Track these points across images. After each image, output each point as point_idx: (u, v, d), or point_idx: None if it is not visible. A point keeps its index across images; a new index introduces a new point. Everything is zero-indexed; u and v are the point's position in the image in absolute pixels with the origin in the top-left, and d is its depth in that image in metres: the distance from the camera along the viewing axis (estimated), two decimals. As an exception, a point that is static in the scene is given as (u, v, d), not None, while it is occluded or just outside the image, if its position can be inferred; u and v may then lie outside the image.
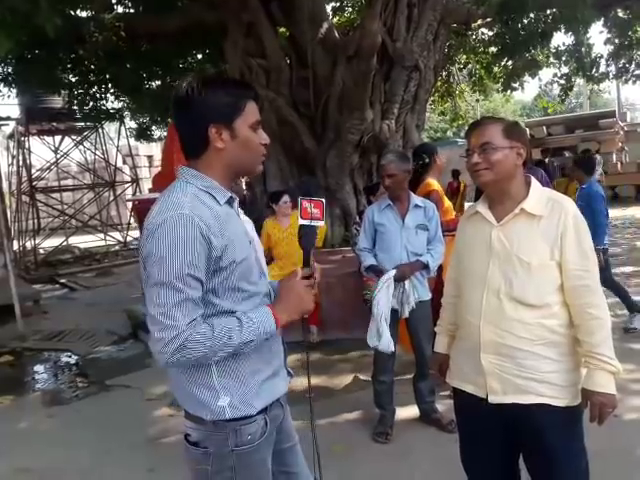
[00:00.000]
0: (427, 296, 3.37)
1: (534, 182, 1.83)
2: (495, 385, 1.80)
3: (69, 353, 5.95)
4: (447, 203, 3.98)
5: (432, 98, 10.52)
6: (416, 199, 3.36)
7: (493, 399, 1.80)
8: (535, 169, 4.64)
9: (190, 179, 1.46)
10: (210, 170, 1.47)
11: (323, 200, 1.73)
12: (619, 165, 16.60)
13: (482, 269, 1.81)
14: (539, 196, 1.78)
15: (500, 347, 1.77)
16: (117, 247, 15.52)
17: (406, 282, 3.23)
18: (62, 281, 10.86)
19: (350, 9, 11.13)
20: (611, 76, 9.81)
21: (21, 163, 14.24)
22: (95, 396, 4.64)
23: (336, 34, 6.96)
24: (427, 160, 3.94)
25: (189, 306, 1.37)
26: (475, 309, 1.83)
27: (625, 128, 18.23)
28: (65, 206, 16.36)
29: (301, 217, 1.66)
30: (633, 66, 9.40)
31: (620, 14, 8.80)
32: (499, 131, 1.76)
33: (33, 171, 14.84)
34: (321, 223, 1.70)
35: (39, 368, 5.65)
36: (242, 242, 1.48)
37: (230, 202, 1.51)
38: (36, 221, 14.42)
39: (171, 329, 1.35)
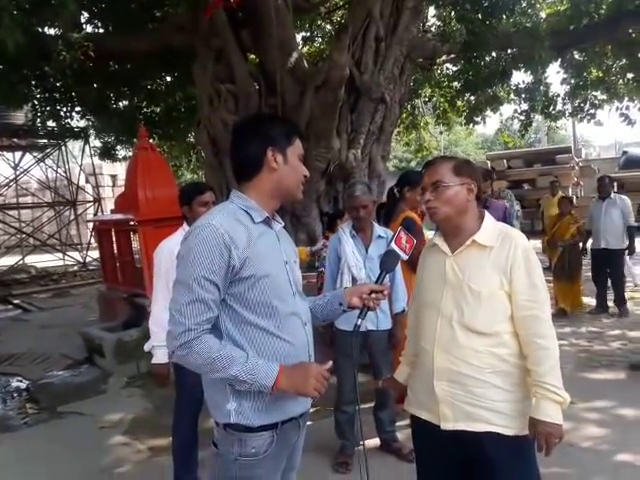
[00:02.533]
0: (388, 325, 3.40)
1: (487, 216, 1.91)
2: (447, 412, 1.83)
3: (20, 378, 5.73)
4: (425, 235, 3.69)
5: (397, 129, 10.74)
6: (379, 230, 3.41)
7: (445, 426, 1.84)
8: (497, 203, 4.66)
9: (234, 199, 1.66)
10: (257, 191, 1.65)
11: (415, 241, 1.93)
12: (575, 199, 17.22)
13: (437, 298, 1.87)
14: (491, 229, 1.86)
15: (452, 374, 1.82)
16: (76, 267, 15.11)
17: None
18: (16, 302, 10.48)
19: (320, 39, 11.36)
20: (567, 114, 10.22)
21: (-22, 179, 13.82)
22: (46, 423, 4.47)
23: (305, 64, 7.07)
24: (397, 194, 3.94)
25: (200, 307, 1.49)
26: (429, 336, 1.88)
27: (580, 164, 18.97)
28: (23, 224, 15.90)
29: (394, 243, 1.85)
30: (588, 105, 9.81)
31: (576, 56, 9.26)
32: (449, 169, 1.85)
33: (-10, 187, 14.42)
34: (404, 257, 1.89)
35: (-13, 393, 5.41)
36: (270, 259, 1.60)
37: (267, 222, 1.66)
38: (-9, 239, 13.95)
39: (180, 325, 1.48)
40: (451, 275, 1.85)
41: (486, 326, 1.79)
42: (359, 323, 1.76)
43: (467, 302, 1.80)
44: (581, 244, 7.11)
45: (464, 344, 1.80)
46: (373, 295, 1.76)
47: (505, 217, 4.19)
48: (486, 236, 1.83)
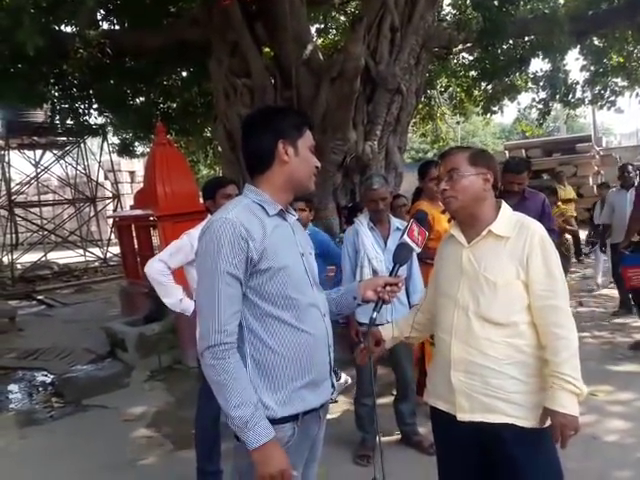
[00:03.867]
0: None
1: (504, 206, 1.90)
2: (463, 403, 1.83)
3: (45, 372, 5.84)
4: (443, 227, 3.43)
5: (414, 120, 10.66)
6: (396, 222, 3.39)
7: (461, 417, 1.83)
8: (535, 194, 4.11)
9: (248, 193, 1.66)
10: (270, 185, 1.65)
11: (427, 233, 1.92)
12: (595, 188, 16.95)
13: (453, 288, 1.87)
14: (508, 219, 1.85)
15: (469, 365, 1.81)
16: (97, 263, 15.29)
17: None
18: (39, 297, 10.66)
19: (334, 31, 11.30)
20: (587, 102, 10.02)
21: (0, 177, 14.03)
22: (71, 417, 4.56)
23: (320, 56, 7.05)
24: (419, 183, 3.92)
25: (226, 302, 1.49)
26: (447, 327, 1.88)
27: (601, 152, 18.65)
28: (44, 221, 16.14)
29: (407, 235, 1.83)
30: (608, 92, 9.61)
31: (596, 42, 9.06)
32: (465, 159, 1.84)
33: (12, 185, 14.64)
34: (417, 249, 1.87)
35: (13, 387, 5.53)
36: (286, 251, 1.61)
37: (281, 215, 1.66)
38: (14, 236, 14.19)
39: (206, 324, 1.49)
40: (467, 266, 1.84)
41: (503, 316, 1.78)
42: (375, 316, 1.76)
43: (483, 293, 1.79)
44: (571, 240, 6.54)
45: (480, 335, 1.79)
46: (388, 288, 1.75)
47: (544, 208, 3.96)
48: (502, 226, 1.82)
